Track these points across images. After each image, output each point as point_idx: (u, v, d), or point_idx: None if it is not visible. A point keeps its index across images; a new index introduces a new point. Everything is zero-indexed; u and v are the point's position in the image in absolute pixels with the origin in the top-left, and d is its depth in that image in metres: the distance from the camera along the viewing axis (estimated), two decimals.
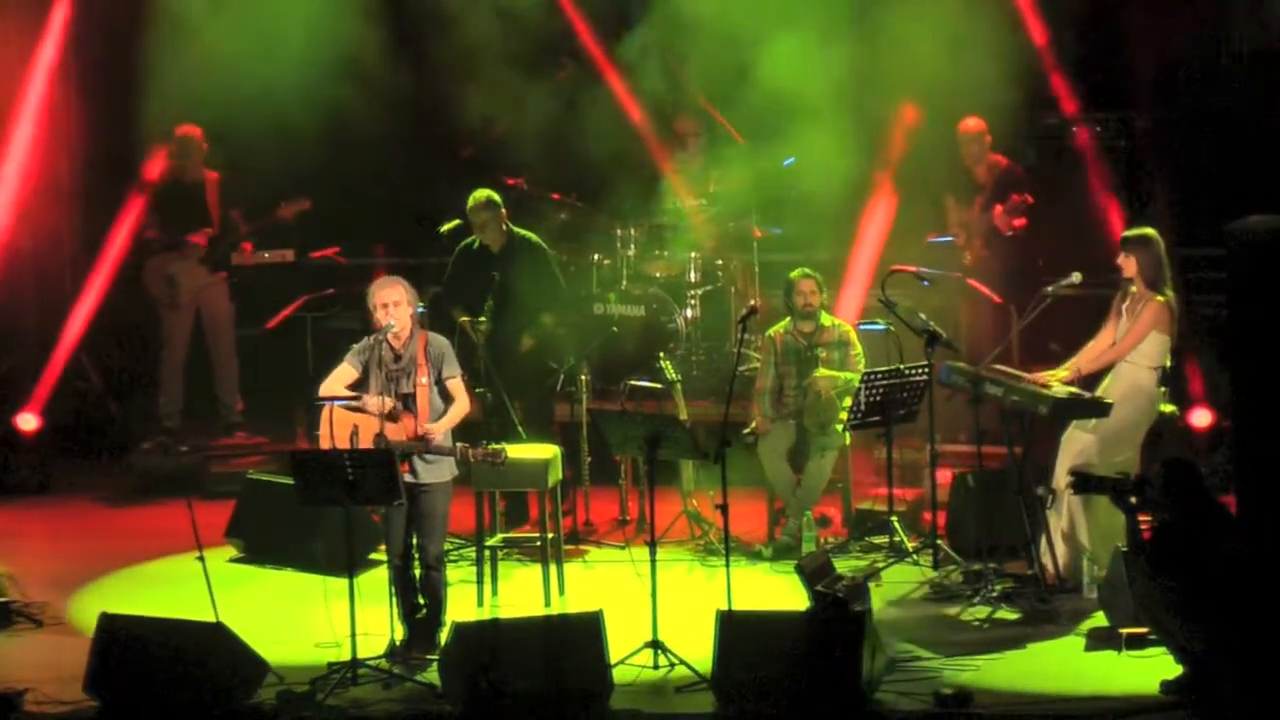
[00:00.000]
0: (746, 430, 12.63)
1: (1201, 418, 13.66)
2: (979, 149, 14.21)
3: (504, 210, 13.10)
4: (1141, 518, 9.83)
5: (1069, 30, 14.68)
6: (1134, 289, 11.29)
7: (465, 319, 12.88)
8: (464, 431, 10.72)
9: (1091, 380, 11.38)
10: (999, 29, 13.90)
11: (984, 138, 14.20)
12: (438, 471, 10.33)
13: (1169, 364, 11.27)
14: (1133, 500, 9.87)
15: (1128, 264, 11.28)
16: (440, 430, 10.28)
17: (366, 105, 14.53)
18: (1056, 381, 11.19)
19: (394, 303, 10.36)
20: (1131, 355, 11.17)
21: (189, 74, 14.40)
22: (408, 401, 10.35)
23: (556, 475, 11.49)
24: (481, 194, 13.04)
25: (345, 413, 10.31)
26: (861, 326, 13.01)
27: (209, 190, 14.72)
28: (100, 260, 15.18)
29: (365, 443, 10.22)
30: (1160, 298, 11.21)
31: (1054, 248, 13.80)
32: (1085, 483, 10.50)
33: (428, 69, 14.89)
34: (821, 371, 12.53)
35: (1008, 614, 10.88)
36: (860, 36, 14.05)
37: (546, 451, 11.41)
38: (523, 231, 13.20)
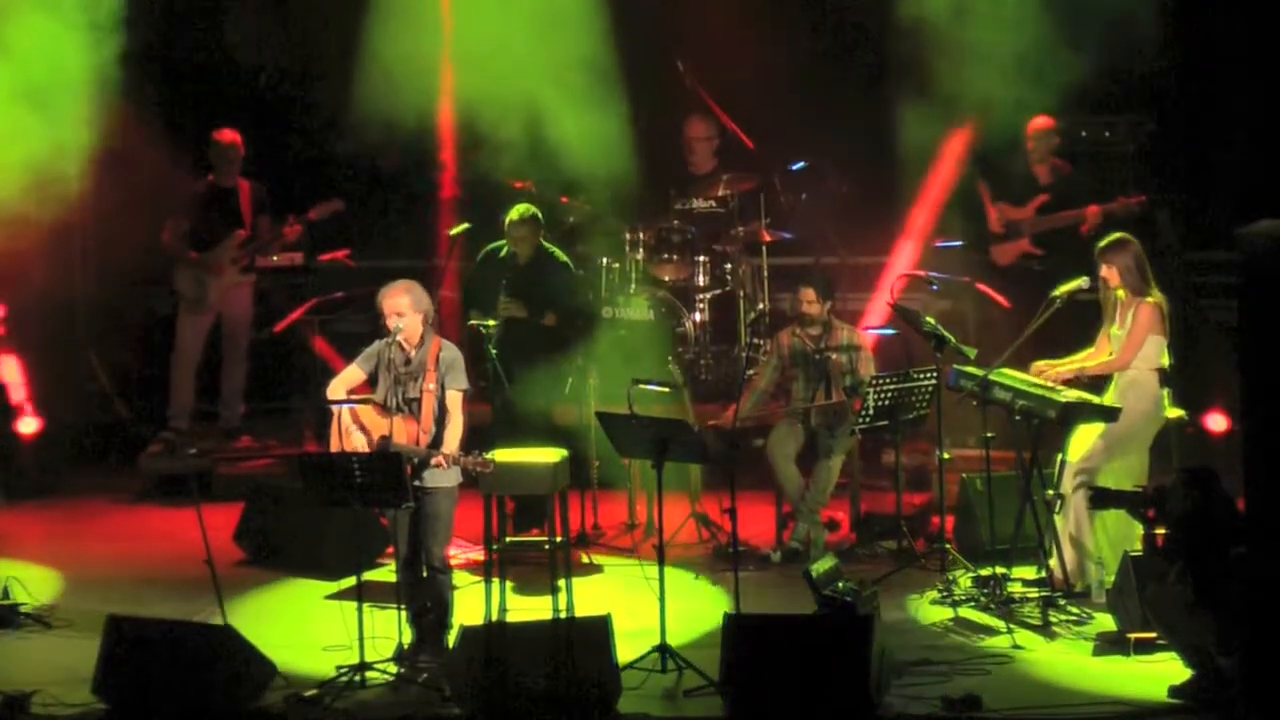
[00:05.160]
0: (713, 424, 12.59)
1: (1217, 422, 13.60)
2: (1046, 148, 14.12)
3: (542, 227, 13.14)
4: (1158, 532, 9.85)
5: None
6: (1121, 295, 11.29)
7: (476, 321, 12.89)
8: (472, 435, 10.72)
9: (1095, 387, 11.38)
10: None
11: (1053, 136, 14.10)
12: (443, 475, 10.32)
13: (1168, 363, 11.26)
14: (1150, 514, 9.87)
15: (1110, 274, 11.29)
16: (455, 451, 10.27)
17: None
18: (1059, 381, 11.19)
19: (398, 314, 10.38)
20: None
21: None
22: (413, 406, 10.35)
23: (564, 479, 11.48)
24: (525, 209, 13.06)
25: (353, 415, 10.34)
26: (870, 330, 13.00)
27: (243, 196, 14.74)
28: None
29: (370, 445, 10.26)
30: (1150, 299, 11.21)
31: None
32: (1103, 499, 10.50)
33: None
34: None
35: (1016, 618, 10.86)
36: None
37: (554, 455, 11.41)
38: (552, 247, 13.22)
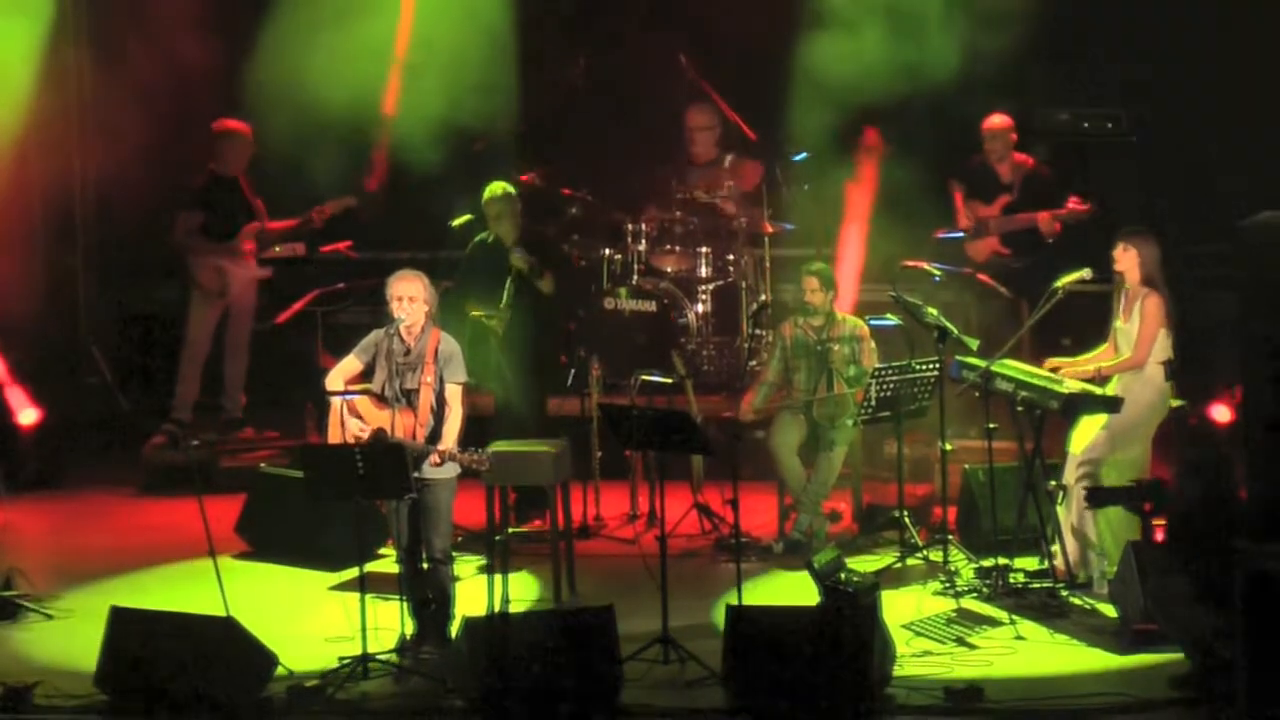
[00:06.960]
0: (729, 415, 12.63)
1: (1221, 413, 13.56)
2: (1003, 146, 14.08)
3: (520, 204, 13.11)
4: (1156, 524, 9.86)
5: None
6: (1129, 286, 11.26)
7: (478, 313, 12.88)
8: (475, 427, 10.71)
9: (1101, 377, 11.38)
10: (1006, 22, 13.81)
11: (1009, 135, 14.05)
12: (441, 467, 10.31)
13: (1173, 356, 11.25)
14: (1147, 508, 9.88)
15: (1127, 256, 11.22)
16: (453, 447, 10.26)
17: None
18: (1075, 379, 11.19)
19: (409, 298, 10.37)
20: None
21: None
22: (410, 397, 10.34)
23: (566, 469, 11.48)
24: (498, 186, 13.05)
25: (350, 407, 10.34)
26: (873, 322, 13.00)
27: (245, 186, 14.72)
28: None
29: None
30: (1156, 292, 11.18)
31: (1066, 244, 13.74)
32: (1100, 496, 10.50)
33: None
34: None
35: (1018, 609, 10.86)
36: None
37: (556, 445, 11.41)
38: (534, 226, 13.21)
